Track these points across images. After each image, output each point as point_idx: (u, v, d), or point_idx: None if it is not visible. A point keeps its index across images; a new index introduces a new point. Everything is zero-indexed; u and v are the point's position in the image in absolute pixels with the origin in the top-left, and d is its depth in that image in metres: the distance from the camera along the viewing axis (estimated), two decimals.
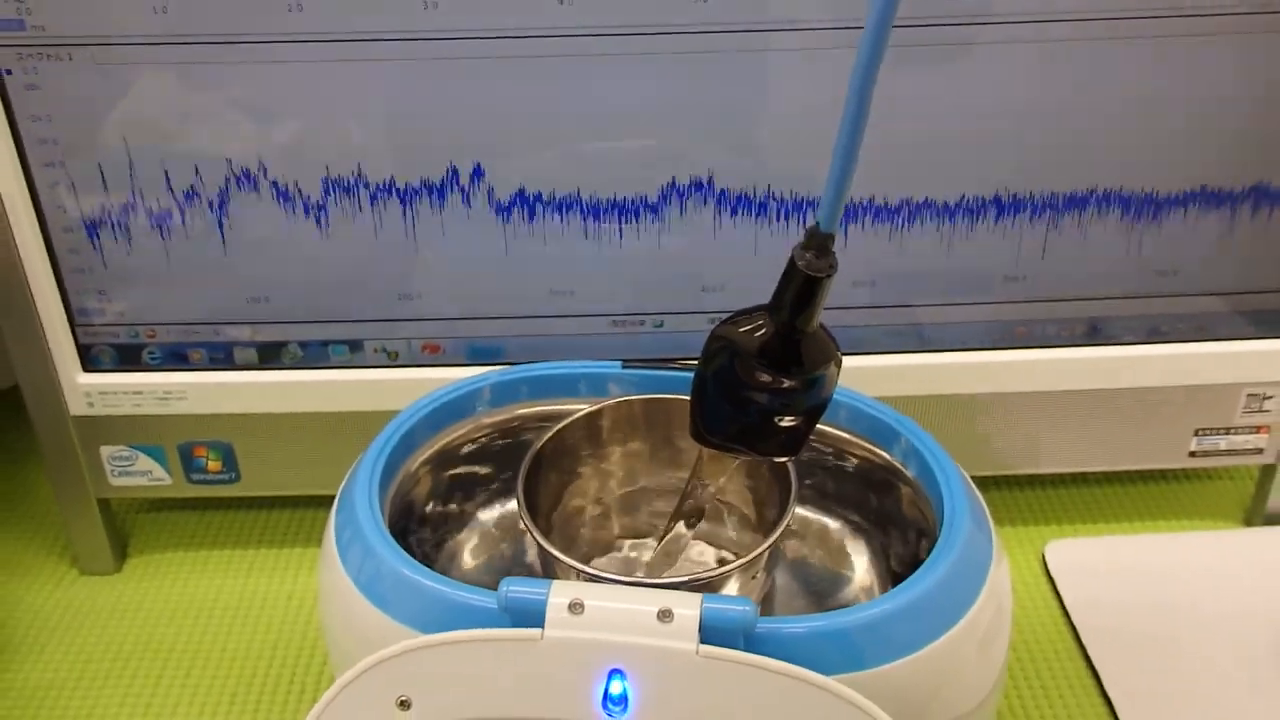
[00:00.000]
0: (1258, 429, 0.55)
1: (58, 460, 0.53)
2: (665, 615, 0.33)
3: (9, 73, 0.45)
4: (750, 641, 0.33)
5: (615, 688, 0.32)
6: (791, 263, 0.30)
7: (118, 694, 0.50)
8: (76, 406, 0.52)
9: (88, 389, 0.52)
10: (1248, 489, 0.60)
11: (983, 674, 0.38)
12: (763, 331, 0.32)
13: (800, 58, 0.46)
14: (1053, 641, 0.52)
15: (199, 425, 0.53)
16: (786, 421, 0.33)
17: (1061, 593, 0.54)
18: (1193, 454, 0.56)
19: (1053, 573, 0.55)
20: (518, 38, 0.45)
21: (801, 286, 0.31)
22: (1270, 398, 0.54)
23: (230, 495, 0.55)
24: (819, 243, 0.30)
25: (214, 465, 0.54)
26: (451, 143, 0.47)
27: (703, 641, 0.32)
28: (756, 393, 0.33)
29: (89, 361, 0.52)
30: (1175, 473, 0.62)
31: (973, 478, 0.41)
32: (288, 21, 0.44)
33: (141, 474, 0.54)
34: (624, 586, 0.35)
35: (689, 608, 0.33)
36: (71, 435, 0.53)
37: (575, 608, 0.33)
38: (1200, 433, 0.55)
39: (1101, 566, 0.55)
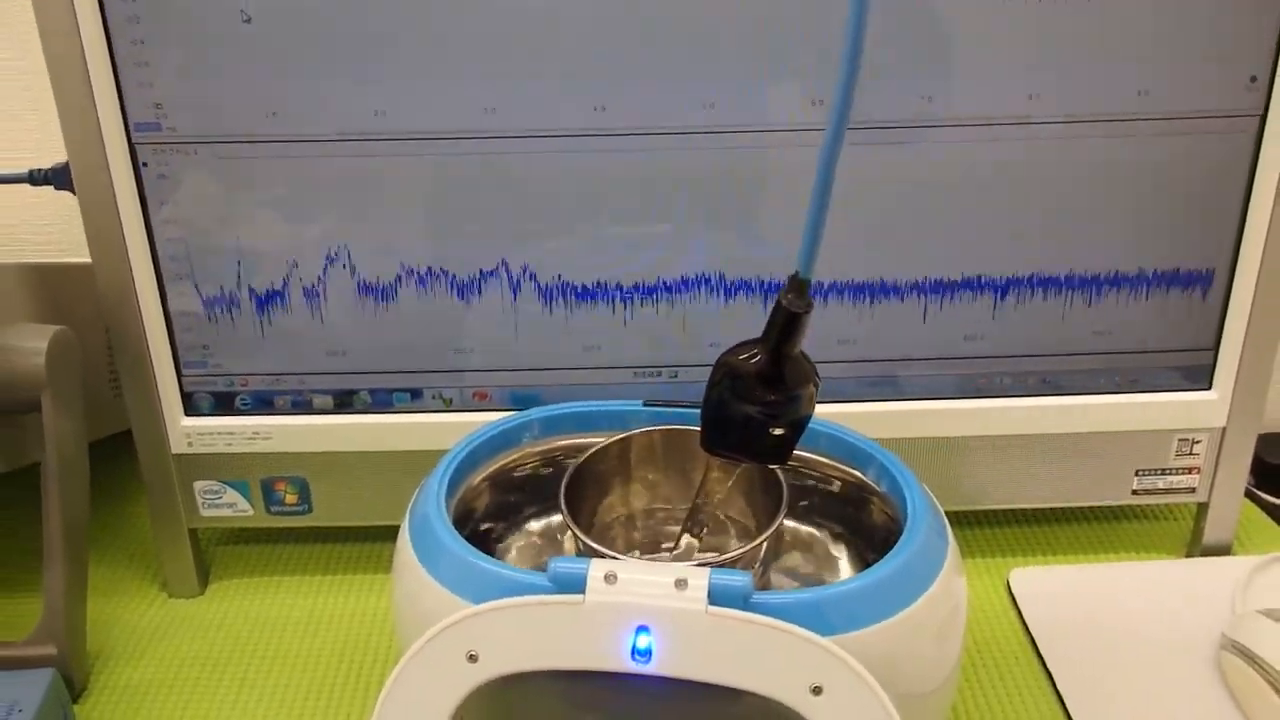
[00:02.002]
0: (1189, 470, 0.63)
1: (158, 493, 0.62)
2: (681, 584, 0.41)
3: (145, 165, 0.55)
4: (747, 607, 0.41)
5: (642, 641, 0.39)
6: (778, 303, 0.39)
7: (208, 692, 0.57)
8: (178, 445, 0.61)
9: (188, 430, 0.61)
10: (1189, 526, 0.68)
11: (938, 662, 0.45)
12: (756, 358, 0.41)
13: (791, 154, 0.56)
14: (1015, 653, 0.59)
15: (280, 462, 0.62)
16: (777, 431, 0.42)
17: (1024, 613, 0.62)
18: (1135, 492, 0.64)
19: (1016, 596, 0.63)
20: (562, 136, 0.55)
21: (785, 321, 0.39)
22: (1198, 442, 0.62)
23: (303, 525, 0.63)
24: (798, 286, 0.39)
25: (291, 498, 0.63)
26: (502, 227, 0.57)
27: (710, 603, 0.40)
28: (751, 407, 0.41)
29: (190, 407, 0.61)
30: (1126, 511, 0.70)
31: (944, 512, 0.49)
32: (373, 124, 0.55)
33: (228, 506, 0.63)
34: (648, 563, 0.44)
35: (700, 578, 0.40)
36: (171, 471, 0.61)
37: (610, 578, 0.41)
38: (1140, 473, 0.63)
39: (1060, 591, 0.63)
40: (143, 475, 0.62)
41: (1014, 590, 0.63)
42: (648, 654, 0.40)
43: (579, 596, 0.41)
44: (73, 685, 0.56)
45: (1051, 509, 0.70)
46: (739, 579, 0.40)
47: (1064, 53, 0.54)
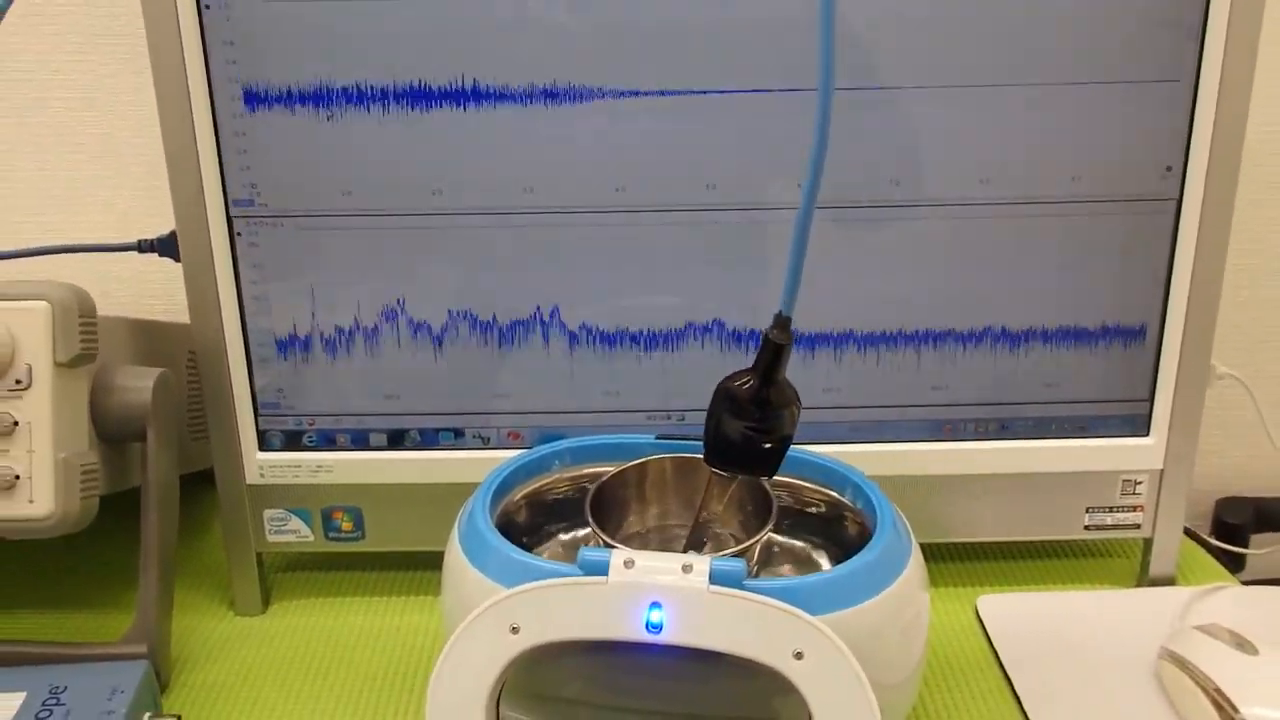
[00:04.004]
0: (1134, 508, 0.72)
1: (232, 520, 0.71)
2: (687, 568, 0.49)
3: (239, 234, 0.66)
4: (742, 588, 0.49)
5: (655, 616, 0.47)
6: (765, 338, 0.49)
7: (274, 689, 0.65)
8: (252, 477, 0.70)
9: (261, 464, 0.70)
10: (1138, 562, 0.76)
11: (901, 654, 0.53)
12: (748, 384, 0.50)
13: (779, 227, 0.66)
14: (981, 666, 0.67)
15: (338, 493, 0.71)
16: (766, 445, 0.51)
17: (989, 632, 0.69)
18: (1087, 528, 0.72)
19: (983, 618, 0.71)
20: (588, 212, 0.65)
21: (772, 352, 0.48)
22: (1140, 482, 0.71)
23: (357, 551, 0.72)
24: (781, 323, 0.48)
25: (347, 525, 0.72)
26: (535, 289, 0.67)
27: (711, 583, 0.48)
28: (744, 423, 0.51)
29: (264, 443, 0.70)
30: (1082, 548, 0.78)
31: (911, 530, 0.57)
32: (431, 201, 0.65)
33: (292, 532, 0.72)
34: (660, 553, 0.53)
35: (703, 563, 0.49)
36: (245, 499, 0.71)
37: (629, 564, 0.49)
38: (1090, 510, 0.72)
39: (1023, 613, 0.70)
40: (220, 502, 0.71)
41: (981, 613, 0.71)
42: (659, 626, 0.48)
43: (603, 578, 0.49)
44: (159, 680, 0.64)
45: (1017, 545, 0.78)
46: (735, 564, 0.49)
47: (1009, 145, 0.65)
